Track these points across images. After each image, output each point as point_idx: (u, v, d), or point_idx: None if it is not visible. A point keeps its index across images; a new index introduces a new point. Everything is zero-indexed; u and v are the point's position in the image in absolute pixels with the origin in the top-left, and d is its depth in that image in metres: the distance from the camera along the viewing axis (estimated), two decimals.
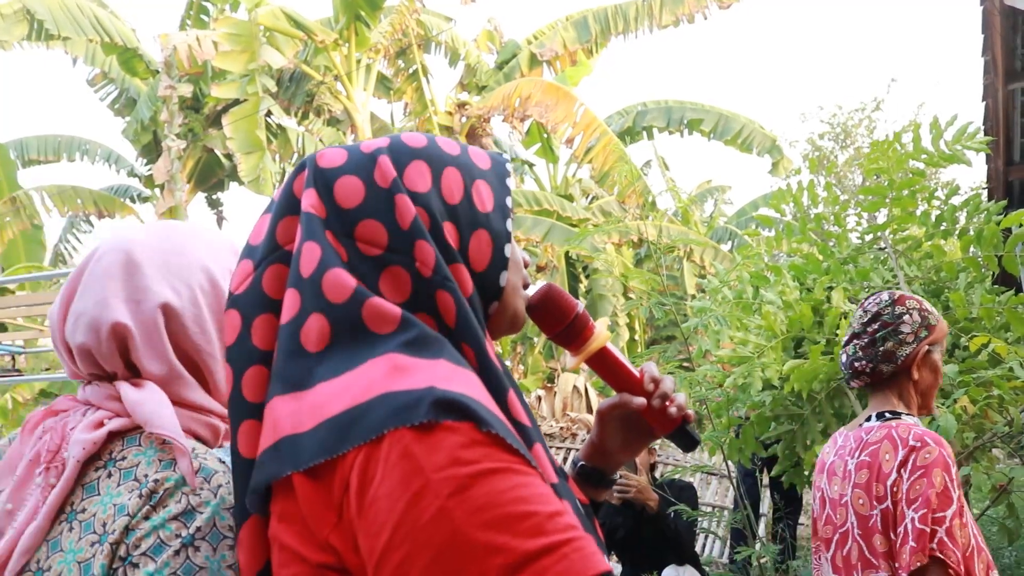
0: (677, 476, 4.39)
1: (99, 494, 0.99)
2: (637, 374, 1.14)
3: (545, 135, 14.38)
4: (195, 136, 14.92)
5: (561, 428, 9.93)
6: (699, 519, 4.09)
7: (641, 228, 10.45)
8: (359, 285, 0.90)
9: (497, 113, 12.77)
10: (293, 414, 0.84)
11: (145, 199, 16.08)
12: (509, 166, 1.06)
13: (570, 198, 14.50)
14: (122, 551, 0.94)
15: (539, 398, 11.16)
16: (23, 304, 6.85)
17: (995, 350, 2.88)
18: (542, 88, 12.41)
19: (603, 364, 1.14)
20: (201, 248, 1.14)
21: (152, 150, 15.31)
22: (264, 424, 0.88)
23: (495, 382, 0.90)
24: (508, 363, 13.06)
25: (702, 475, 7.91)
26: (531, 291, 1.09)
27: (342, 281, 0.89)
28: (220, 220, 17.60)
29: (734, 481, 4.59)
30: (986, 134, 5.82)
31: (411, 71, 14.73)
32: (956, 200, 3.54)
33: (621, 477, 4.01)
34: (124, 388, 1.05)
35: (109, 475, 1.00)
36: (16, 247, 13.21)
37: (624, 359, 1.15)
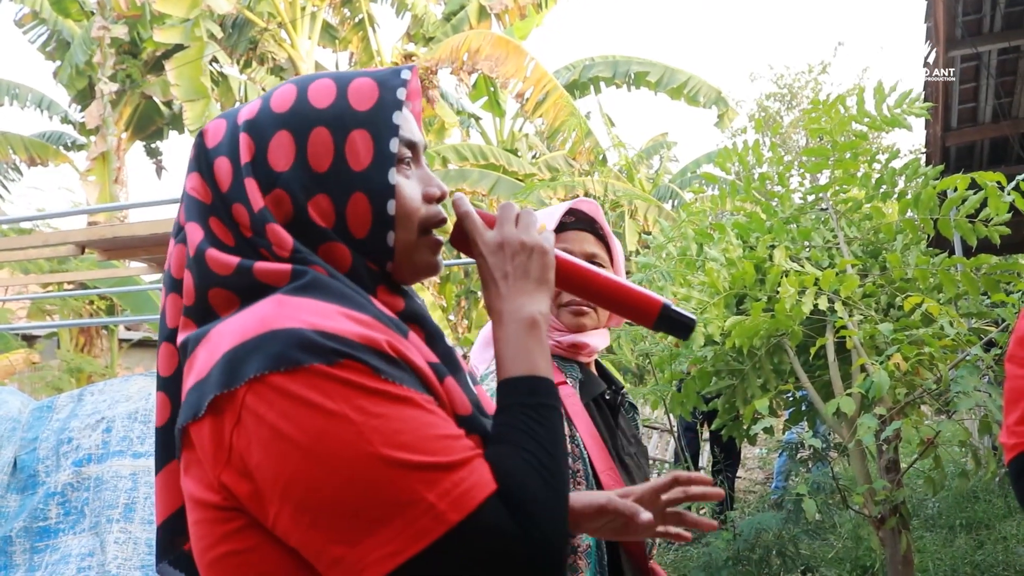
0: None
1: None
2: (597, 273, 1.10)
3: (492, 88, 14.27)
4: (132, 82, 14.46)
5: None
6: None
7: (588, 184, 10.49)
8: (241, 260, 0.91)
9: (445, 66, 12.61)
10: (200, 361, 0.87)
11: (80, 147, 15.56)
12: (402, 91, 0.97)
13: (516, 152, 14.46)
14: None
15: None
16: None
17: (928, 310, 2.97)
18: (492, 41, 12.27)
19: (561, 276, 1.09)
20: None
21: (87, 96, 14.80)
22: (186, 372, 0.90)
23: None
24: (452, 317, 13.08)
25: (643, 429, 8.06)
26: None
27: (222, 259, 0.91)
28: (159, 169, 17.15)
29: (675, 434, 4.69)
30: (926, 100, 5.94)
31: (357, 20, 14.45)
32: (896, 164, 3.62)
33: None
34: None
35: None
36: None
37: (573, 258, 1.11)
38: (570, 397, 1.55)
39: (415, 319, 0.97)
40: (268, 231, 0.91)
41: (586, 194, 11.27)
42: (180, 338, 0.92)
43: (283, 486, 0.79)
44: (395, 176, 0.95)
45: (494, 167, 12.30)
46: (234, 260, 0.90)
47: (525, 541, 0.82)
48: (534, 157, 14.93)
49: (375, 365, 0.82)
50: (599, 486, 1.46)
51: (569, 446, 1.43)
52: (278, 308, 0.84)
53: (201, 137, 0.97)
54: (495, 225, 1.04)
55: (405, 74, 0.99)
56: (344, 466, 0.78)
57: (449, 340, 1.01)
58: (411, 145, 1.00)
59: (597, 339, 1.64)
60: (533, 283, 1.00)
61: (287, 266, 0.90)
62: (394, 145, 0.95)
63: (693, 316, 1.10)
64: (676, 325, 1.09)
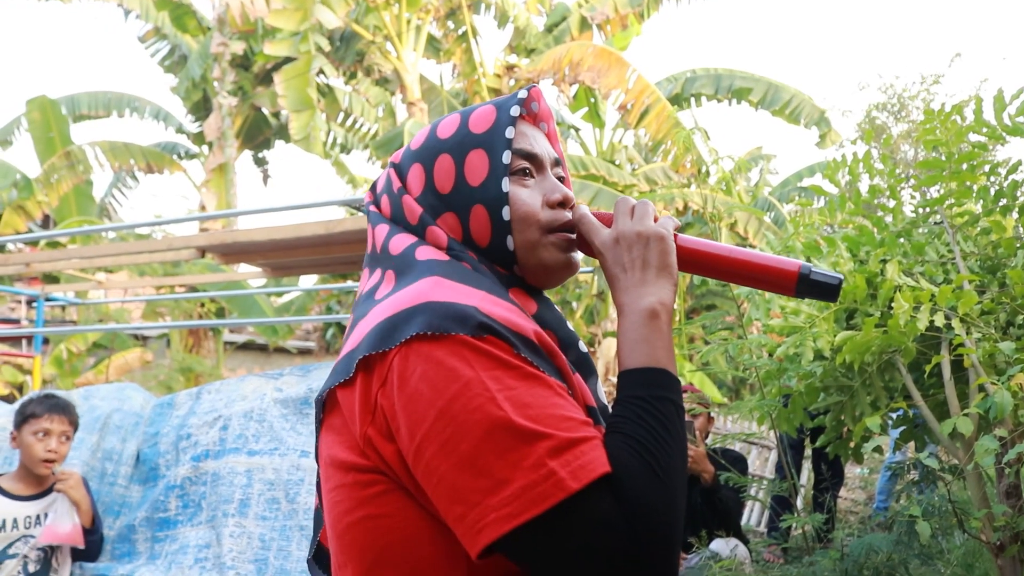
0: (726, 443, 4.43)
1: None
2: (722, 251, 1.04)
3: (592, 99, 14.25)
4: (244, 94, 15.01)
5: (604, 392, 9.96)
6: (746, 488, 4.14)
7: (688, 196, 10.39)
8: (412, 241, 1.03)
9: (547, 77, 12.66)
10: (355, 334, 0.94)
11: (193, 156, 16.25)
12: (515, 108, 1.05)
13: (615, 163, 14.39)
14: None
15: None
16: (76, 257, 7.03)
17: None
18: (594, 53, 12.26)
19: (684, 260, 1.05)
20: None
21: (201, 107, 15.45)
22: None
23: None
24: None
25: (741, 443, 7.92)
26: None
27: (399, 239, 1.02)
28: (265, 178, 17.75)
29: (781, 449, 4.61)
30: None
31: (460, 32, 14.65)
32: (1016, 177, 3.49)
33: None
34: None
35: None
36: (68, 201, 13.40)
37: (698, 240, 1.05)
38: None
39: (546, 325, 1.01)
40: (427, 233, 1.03)
41: (686, 206, 11.16)
42: None
43: (417, 444, 0.84)
44: (509, 185, 1.02)
45: (594, 178, 12.28)
46: (408, 240, 1.02)
47: (629, 532, 0.81)
48: (633, 169, 14.84)
49: (516, 344, 0.87)
50: None
51: None
52: (433, 286, 0.92)
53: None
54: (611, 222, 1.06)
55: (522, 93, 1.07)
56: (475, 429, 0.82)
57: (583, 346, 1.04)
58: (530, 156, 1.06)
59: None
60: (653, 272, 0.99)
61: (444, 256, 1.00)
62: (507, 157, 1.03)
63: (839, 275, 1.00)
64: (821, 288, 1.01)
